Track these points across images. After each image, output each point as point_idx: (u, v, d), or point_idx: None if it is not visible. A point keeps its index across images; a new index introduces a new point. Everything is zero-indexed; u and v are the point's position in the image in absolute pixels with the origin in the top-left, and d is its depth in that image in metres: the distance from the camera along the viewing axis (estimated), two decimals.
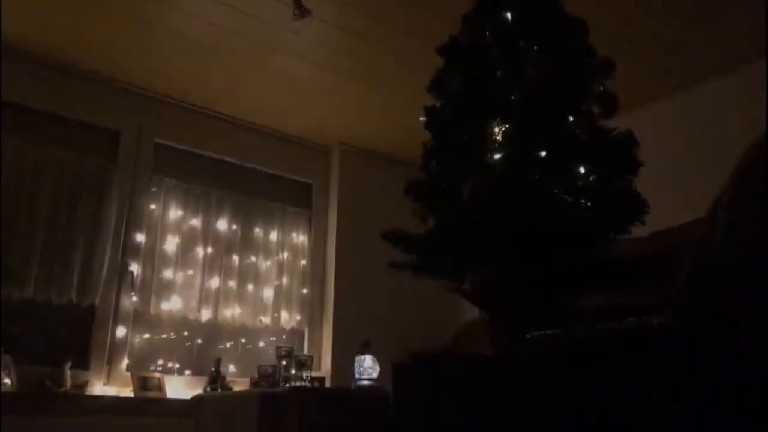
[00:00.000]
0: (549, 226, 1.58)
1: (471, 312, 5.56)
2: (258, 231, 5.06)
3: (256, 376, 4.68)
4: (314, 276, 5.25)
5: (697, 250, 1.78)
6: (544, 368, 1.37)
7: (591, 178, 1.71)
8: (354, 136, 5.41)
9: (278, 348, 3.79)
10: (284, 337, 5.06)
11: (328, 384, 4.54)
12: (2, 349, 3.73)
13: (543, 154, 1.68)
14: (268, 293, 4.98)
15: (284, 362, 3.48)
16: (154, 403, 4.17)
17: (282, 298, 5.03)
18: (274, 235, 5.13)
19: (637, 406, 1.23)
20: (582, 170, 1.70)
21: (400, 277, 5.42)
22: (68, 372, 4.00)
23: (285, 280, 5.09)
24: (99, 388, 4.19)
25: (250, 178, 5.16)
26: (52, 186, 4.25)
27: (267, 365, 3.60)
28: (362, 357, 3.38)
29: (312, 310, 5.17)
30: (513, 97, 1.74)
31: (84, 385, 4.07)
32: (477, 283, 1.64)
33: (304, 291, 5.17)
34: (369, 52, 4.23)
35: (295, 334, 5.11)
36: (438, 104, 2.00)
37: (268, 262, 5.05)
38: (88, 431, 3.87)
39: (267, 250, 5.07)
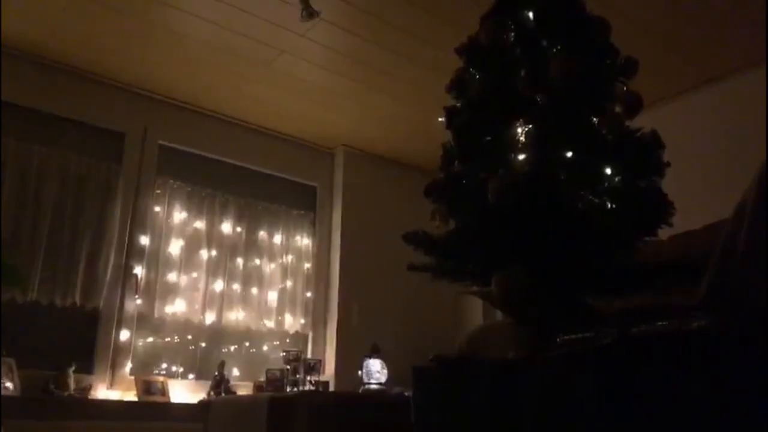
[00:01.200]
0: (576, 228, 1.54)
1: (475, 315, 5.53)
2: (262, 234, 5.02)
3: (261, 380, 4.65)
4: (318, 279, 5.21)
5: (721, 255, 1.74)
6: (575, 372, 1.33)
7: (616, 180, 1.68)
8: (358, 139, 5.37)
9: (286, 352, 3.75)
10: (288, 340, 5.01)
11: (332, 388, 4.50)
12: (3, 353, 3.67)
13: (569, 154, 1.65)
14: (272, 296, 4.93)
15: (292, 366, 3.42)
16: (159, 408, 4.11)
17: (286, 301, 4.99)
18: (278, 238, 5.08)
19: (678, 411, 1.20)
20: (608, 171, 1.66)
21: (405, 280, 5.42)
22: (72, 376, 3.95)
23: (289, 284, 5.04)
24: (102, 392, 4.14)
25: (254, 180, 5.11)
26: (56, 188, 4.20)
27: (275, 369, 3.55)
28: (370, 361, 3.33)
29: (316, 313, 5.12)
30: (537, 98, 1.71)
31: (88, 389, 4.02)
32: (502, 286, 1.60)
33: (308, 294, 5.12)
34: (375, 54, 4.19)
35: (299, 337, 5.06)
36: (458, 104, 1.96)
37: (273, 265, 5.00)
38: None
39: (271, 253, 5.02)
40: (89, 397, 4.00)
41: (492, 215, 1.62)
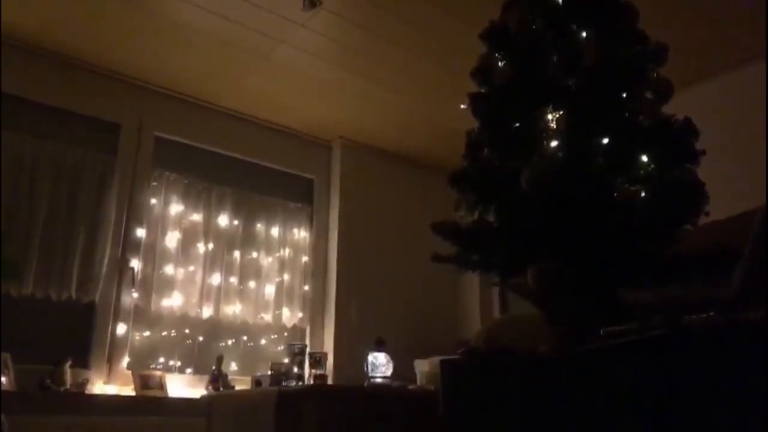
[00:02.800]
0: (613, 218, 1.49)
1: (473, 309, 5.48)
2: (259, 227, 4.93)
3: (259, 374, 4.57)
4: (316, 272, 5.13)
5: (755, 247, 1.70)
6: (622, 365, 1.27)
7: (650, 168, 1.62)
8: (356, 131, 5.29)
9: (290, 345, 3.67)
10: (286, 334, 4.93)
11: (330, 382, 4.42)
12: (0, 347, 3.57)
13: (605, 141, 1.59)
14: (270, 290, 4.85)
15: (297, 360, 3.35)
16: (157, 402, 4.02)
17: (283, 295, 4.90)
18: (275, 231, 4.99)
19: (733, 405, 1.14)
20: (644, 159, 1.60)
21: (403, 273, 5.37)
22: (68, 370, 3.85)
23: (286, 277, 4.96)
24: (99, 386, 4.04)
25: (251, 172, 5.02)
26: (50, 180, 4.09)
27: (281, 363, 3.47)
28: (375, 354, 3.26)
29: (314, 307, 5.05)
30: (569, 83, 1.65)
31: (84, 383, 3.91)
32: (539, 277, 1.54)
33: (306, 288, 5.04)
34: (376, 45, 4.11)
35: (297, 331, 4.99)
36: (483, 90, 1.89)
37: (270, 259, 4.92)
38: (90, 431, 3.71)
39: (268, 246, 4.94)
40: (86, 392, 3.90)
41: (526, 204, 1.56)
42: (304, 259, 5.11)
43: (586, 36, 1.68)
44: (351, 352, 4.61)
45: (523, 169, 1.58)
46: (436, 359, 4.55)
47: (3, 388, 3.49)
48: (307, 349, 3.44)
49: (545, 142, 1.64)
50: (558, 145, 1.61)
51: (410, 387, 3.44)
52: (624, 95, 1.65)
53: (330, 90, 4.64)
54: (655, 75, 1.73)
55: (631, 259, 1.54)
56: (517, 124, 1.73)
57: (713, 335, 1.20)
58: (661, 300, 1.58)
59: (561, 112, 1.64)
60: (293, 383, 3.24)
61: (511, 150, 1.69)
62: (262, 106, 4.91)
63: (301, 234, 5.14)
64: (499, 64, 1.83)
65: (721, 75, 4.20)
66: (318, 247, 5.18)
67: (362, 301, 5.09)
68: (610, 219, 1.51)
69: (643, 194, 1.57)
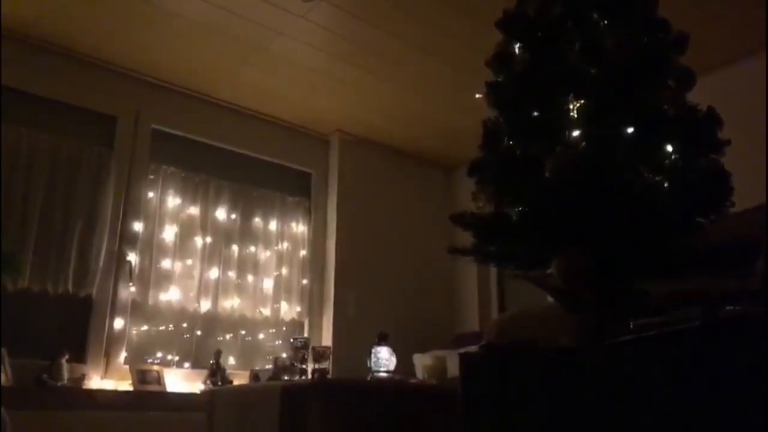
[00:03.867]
0: (639, 209, 1.45)
1: (471, 302, 5.45)
2: (257, 220, 4.86)
3: (257, 368, 4.52)
4: (314, 266, 5.07)
5: None
6: (654, 358, 1.23)
7: (673, 158, 1.58)
8: (355, 125, 5.23)
9: (293, 339, 3.62)
10: (284, 328, 4.88)
11: (329, 376, 4.38)
12: None
13: (630, 130, 1.55)
14: (268, 284, 4.79)
15: (301, 354, 3.30)
16: (155, 397, 3.96)
17: (282, 289, 4.85)
18: (273, 225, 4.93)
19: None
20: (669, 148, 1.57)
21: (401, 267, 5.32)
22: (65, 365, 3.78)
23: (285, 271, 4.90)
24: (96, 381, 3.97)
25: (249, 166, 4.95)
26: (46, 173, 4.01)
27: (284, 357, 3.42)
28: (379, 348, 3.22)
29: (312, 301, 5.00)
30: (591, 71, 1.61)
31: (81, 378, 3.85)
32: (565, 268, 1.50)
33: (304, 282, 4.99)
34: (376, 38, 4.05)
35: (295, 325, 4.94)
36: (500, 79, 1.84)
37: (268, 253, 4.86)
38: (88, 426, 3.64)
39: (266, 240, 4.88)
40: (83, 387, 3.84)
41: (550, 194, 1.51)
42: (302, 253, 5.05)
43: (608, 23, 1.64)
44: (349, 346, 4.57)
45: (547, 158, 1.54)
46: (438, 353, 4.53)
47: (1, 383, 3.42)
48: (310, 343, 3.39)
49: (568, 131, 1.60)
50: (580, 135, 1.57)
51: (412, 381, 3.40)
52: (650, 83, 1.61)
53: (328, 83, 4.59)
54: (677, 64, 1.70)
55: (654, 250, 1.51)
56: (536, 113, 1.68)
57: (752, 327, 1.17)
58: (683, 291, 1.54)
59: (582, 101, 1.60)
60: (296, 377, 3.19)
61: (533, 139, 1.64)
62: (260, 99, 4.85)
63: (299, 228, 5.09)
64: (517, 52, 1.79)
65: (720, 70, 4.17)
66: (316, 241, 5.13)
67: (360, 295, 5.05)
68: (635, 209, 1.47)
69: (666, 184, 1.53)
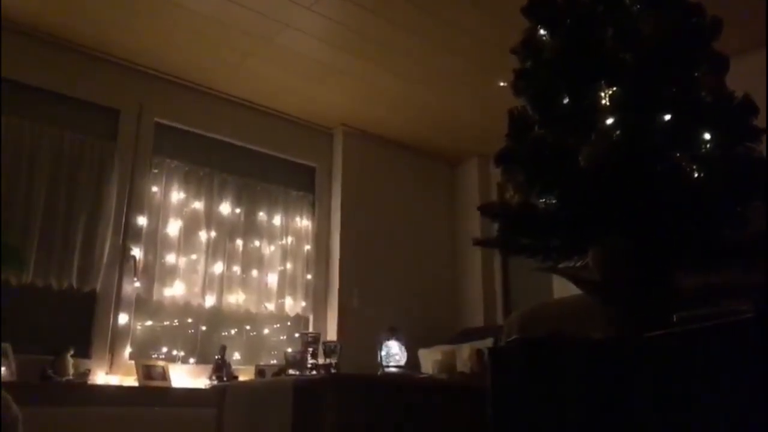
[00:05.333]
0: (677, 198, 1.40)
1: (476, 296, 5.41)
2: (261, 215, 4.80)
3: (262, 363, 4.47)
4: (318, 261, 5.02)
5: None
6: (702, 351, 1.19)
7: (708, 146, 1.54)
8: (358, 118, 5.17)
9: (303, 334, 3.57)
10: (289, 323, 4.83)
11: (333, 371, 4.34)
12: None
13: (667, 117, 1.50)
14: (273, 279, 4.73)
15: (311, 349, 3.25)
16: (161, 393, 3.91)
17: (286, 283, 4.79)
18: (277, 219, 4.87)
19: None
20: (706, 136, 1.52)
21: (405, 261, 5.28)
22: (70, 360, 3.73)
23: (289, 266, 4.85)
24: (101, 377, 3.92)
25: (252, 160, 4.89)
26: (49, 166, 3.94)
27: (295, 351, 3.37)
28: (389, 343, 3.17)
29: (316, 295, 4.94)
30: (624, 57, 1.56)
31: (86, 374, 3.79)
32: (603, 260, 1.45)
33: (309, 276, 4.94)
34: (383, 29, 3.99)
35: (300, 320, 4.89)
36: (528, 65, 1.79)
37: (272, 247, 4.80)
38: (93, 422, 3.58)
39: (271, 235, 4.82)
40: (88, 382, 3.78)
41: (585, 183, 1.46)
42: (307, 247, 5.00)
43: (642, 8, 1.59)
44: (354, 341, 4.52)
45: (581, 146, 1.49)
46: (445, 347, 4.50)
47: (5, 378, 3.36)
48: (321, 338, 3.34)
49: (601, 118, 1.56)
50: (614, 122, 1.52)
51: (423, 375, 3.35)
52: (686, 69, 1.56)
53: (334, 76, 4.53)
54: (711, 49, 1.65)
55: (692, 240, 1.46)
56: (567, 100, 1.63)
57: None
58: (720, 283, 1.50)
59: (614, 88, 1.55)
60: (305, 372, 3.14)
61: (565, 127, 1.59)
62: (264, 92, 4.78)
63: (303, 222, 5.03)
64: (544, 38, 1.74)
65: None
66: (320, 236, 5.08)
67: (364, 289, 5.00)
68: (674, 199, 1.43)
69: (703, 173, 1.48)
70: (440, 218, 5.71)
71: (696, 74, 1.57)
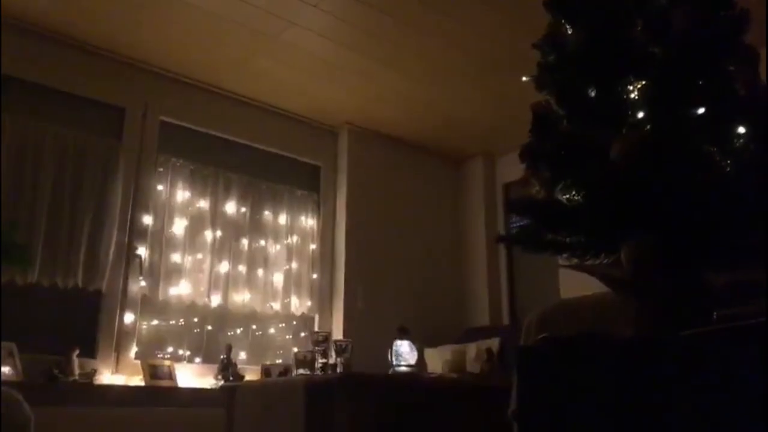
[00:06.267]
0: (712, 194, 1.37)
1: (482, 295, 5.37)
2: (267, 214, 4.76)
3: (268, 363, 4.43)
4: (324, 261, 4.98)
5: None
6: (746, 350, 1.15)
7: (742, 141, 1.50)
8: (363, 117, 5.13)
9: (314, 333, 3.54)
10: (294, 323, 4.79)
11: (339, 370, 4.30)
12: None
13: (700, 111, 1.47)
14: (278, 278, 4.69)
15: (321, 348, 3.21)
16: (167, 393, 3.86)
17: (292, 283, 4.75)
18: (282, 219, 4.83)
19: None
20: (740, 130, 1.48)
21: (411, 261, 5.24)
22: (76, 360, 3.68)
23: (295, 265, 4.80)
24: (107, 376, 3.87)
25: (258, 159, 4.84)
26: (54, 165, 3.90)
27: (305, 351, 3.33)
28: (399, 342, 3.14)
29: (322, 295, 4.90)
30: (654, 50, 1.52)
31: (92, 373, 3.75)
32: (634, 256, 1.42)
33: (314, 276, 4.89)
34: (389, 27, 3.94)
35: (306, 320, 4.84)
36: (551, 59, 1.75)
37: (278, 246, 4.76)
38: (100, 422, 3.54)
39: (276, 234, 4.77)
40: (94, 382, 3.74)
41: (616, 179, 1.43)
42: (312, 247, 4.96)
43: (671, 0, 1.56)
44: (360, 340, 4.48)
45: (611, 141, 1.45)
46: (455, 347, 4.46)
47: (10, 378, 3.32)
48: (332, 337, 3.30)
49: (631, 112, 1.52)
50: (644, 116, 1.49)
51: (432, 374, 3.32)
52: (718, 62, 1.53)
53: (339, 74, 4.48)
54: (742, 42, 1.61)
55: (723, 237, 1.43)
56: (593, 94, 1.60)
57: None
58: (748, 282, 1.47)
59: (643, 82, 1.52)
60: (315, 372, 3.11)
61: (593, 122, 1.56)
62: (269, 91, 4.74)
63: (308, 222, 4.99)
64: (568, 32, 1.71)
65: None
66: (325, 235, 5.04)
67: (370, 289, 4.96)
68: (705, 194, 1.39)
69: (735, 168, 1.45)
70: (445, 217, 5.67)
71: (729, 67, 1.54)
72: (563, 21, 1.73)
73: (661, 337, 1.32)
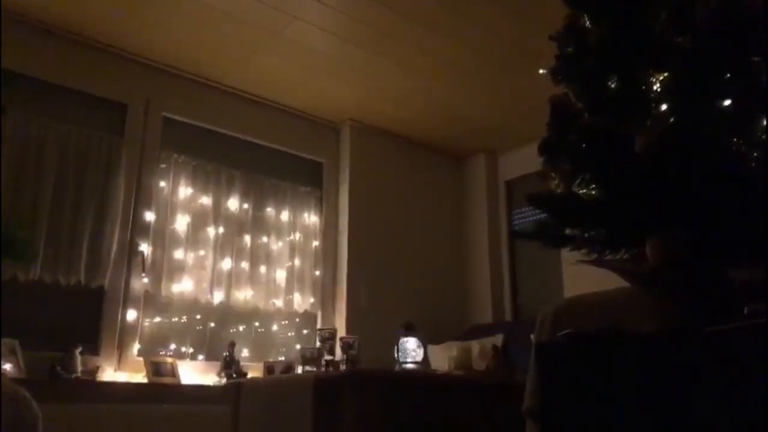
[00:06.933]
0: (738, 188, 1.34)
1: (484, 292, 5.34)
2: (269, 210, 4.72)
3: (271, 360, 4.40)
4: (326, 257, 4.95)
5: None
6: None
7: (765, 134, 1.47)
8: (365, 113, 5.09)
9: (320, 330, 3.50)
10: (297, 320, 4.76)
11: (342, 367, 4.27)
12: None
13: (726, 103, 1.44)
14: (281, 275, 4.65)
15: (328, 345, 3.18)
16: (170, 390, 3.82)
17: (294, 280, 4.72)
18: (285, 215, 4.79)
19: None
20: (765, 123, 1.45)
21: (414, 258, 5.21)
22: (78, 357, 3.64)
23: (297, 262, 4.76)
24: (110, 374, 3.84)
25: (260, 155, 4.80)
26: (56, 160, 3.85)
27: (311, 348, 3.30)
28: (406, 339, 3.11)
29: (324, 292, 4.87)
30: (678, 40, 1.49)
31: (95, 370, 3.71)
32: (661, 251, 1.39)
33: (317, 273, 4.86)
34: (392, 22, 3.90)
35: (309, 317, 4.81)
36: (570, 51, 1.72)
37: (280, 243, 4.72)
38: (102, 419, 3.50)
39: (279, 231, 4.74)
40: (97, 379, 3.70)
41: (641, 172, 1.40)
42: (315, 243, 4.92)
43: None
44: (363, 337, 4.45)
45: (635, 134, 1.42)
46: (462, 344, 4.42)
47: (14, 375, 3.28)
48: (338, 334, 3.27)
49: (654, 104, 1.49)
50: (668, 109, 1.46)
51: (439, 372, 3.29)
52: (744, 53, 1.50)
53: (342, 69, 4.44)
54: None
55: (748, 231, 1.40)
56: (615, 87, 1.57)
57: None
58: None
59: (666, 74, 1.49)
60: (321, 369, 3.08)
61: (615, 114, 1.52)
62: (272, 87, 4.70)
63: (311, 218, 4.95)
64: (587, 25, 1.67)
65: None
66: (328, 232, 5.00)
67: (372, 285, 4.93)
68: (731, 188, 1.36)
69: (762, 161, 1.42)
70: (447, 214, 5.65)
71: (754, 58, 1.51)
72: (582, 12, 1.69)
73: (687, 333, 1.29)
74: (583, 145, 1.53)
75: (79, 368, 3.62)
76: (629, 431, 1.31)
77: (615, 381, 1.33)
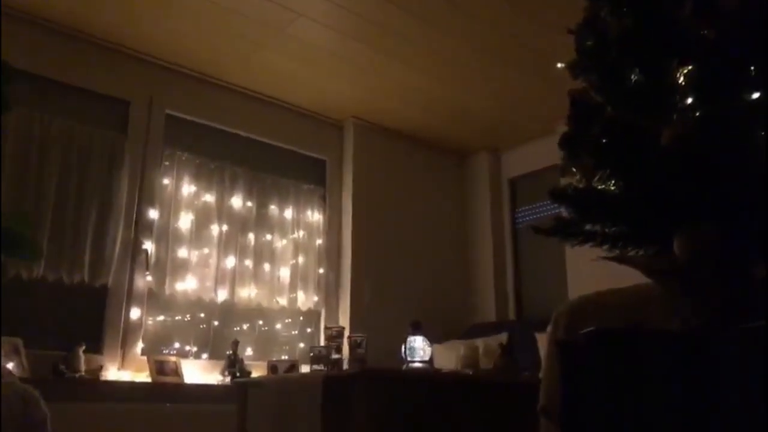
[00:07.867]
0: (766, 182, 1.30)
1: (488, 289, 5.31)
2: (273, 208, 4.67)
3: (274, 358, 4.36)
4: (330, 255, 4.90)
5: None
6: None
7: None
8: (369, 111, 5.04)
9: (327, 328, 3.46)
10: (301, 318, 4.72)
11: (346, 366, 4.22)
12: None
13: (755, 96, 1.40)
14: (285, 273, 4.61)
15: (336, 344, 3.14)
16: (173, 389, 3.78)
17: (298, 278, 4.67)
18: (288, 213, 4.75)
19: None
20: None
21: (418, 255, 5.17)
22: (82, 356, 3.60)
23: (301, 260, 4.72)
24: (114, 372, 3.79)
25: (263, 153, 4.75)
26: (59, 158, 3.80)
27: (320, 346, 3.25)
28: (413, 338, 3.06)
29: (328, 290, 4.83)
30: (703, 32, 1.46)
31: (99, 369, 3.67)
32: (691, 246, 1.35)
33: (321, 271, 4.81)
34: (395, 18, 3.85)
35: (312, 315, 4.77)
36: (589, 44, 1.68)
37: (284, 241, 4.67)
38: (106, 418, 3.45)
39: (282, 229, 4.69)
40: (101, 378, 3.66)
41: (667, 167, 1.36)
42: (318, 241, 4.88)
43: None
44: (366, 335, 4.41)
45: (660, 127, 1.38)
46: (469, 342, 4.39)
47: (17, 374, 3.23)
48: (346, 332, 3.22)
49: (679, 97, 1.45)
50: (694, 102, 1.42)
51: (445, 370, 3.25)
52: None
53: (345, 67, 4.40)
54: None
55: None
56: (639, 81, 1.53)
57: None
58: None
59: (691, 66, 1.45)
60: (328, 367, 3.03)
61: (639, 108, 1.48)
62: (275, 84, 4.65)
63: (314, 216, 4.91)
64: (606, 18, 1.63)
65: None
66: (332, 230, 4.95)
67: (376, 284, 4.89)
68: (760, 183, 1.33)
69: None
70: (451, 212, 5.61)
71: None
72: (602, 4, 1.65)
73: (716, 330, 1.25)
74: (605, 140, 1.49)
75: (83, 367, 3.58)
76: (659, 430, 1.27)
77: (644, 379, 1.30)
